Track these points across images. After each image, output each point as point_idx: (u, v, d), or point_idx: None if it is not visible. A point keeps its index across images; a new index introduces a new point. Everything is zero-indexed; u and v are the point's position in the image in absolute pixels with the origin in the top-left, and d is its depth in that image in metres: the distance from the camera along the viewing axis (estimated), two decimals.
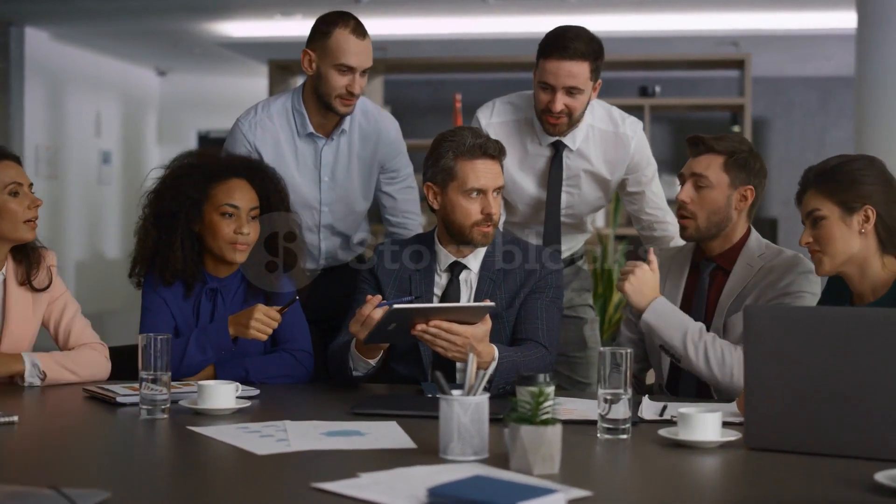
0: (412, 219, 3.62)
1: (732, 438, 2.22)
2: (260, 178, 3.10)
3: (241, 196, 3.02)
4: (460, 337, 2.69)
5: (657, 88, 7.62)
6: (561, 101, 3.25)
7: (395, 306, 2.67)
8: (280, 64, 7.81)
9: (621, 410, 2.29)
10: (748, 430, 2.20)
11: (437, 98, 10.81)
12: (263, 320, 2.90)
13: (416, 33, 9.45)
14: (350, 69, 3.30)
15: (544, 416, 1.96)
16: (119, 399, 2.62)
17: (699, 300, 3.00)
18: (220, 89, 12.69)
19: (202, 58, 11.42)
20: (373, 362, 2.87)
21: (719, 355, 2.80)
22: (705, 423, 2.21)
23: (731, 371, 2.79)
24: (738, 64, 7.45)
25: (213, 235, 3.01)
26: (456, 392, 2.11)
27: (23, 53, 10.04)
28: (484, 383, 2.12)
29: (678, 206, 2.99)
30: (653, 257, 2.93)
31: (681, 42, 9.65)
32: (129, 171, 11.70)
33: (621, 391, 2.28)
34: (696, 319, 2.96)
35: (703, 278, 3.01)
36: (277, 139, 3.43)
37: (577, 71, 3.22)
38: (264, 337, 2.93)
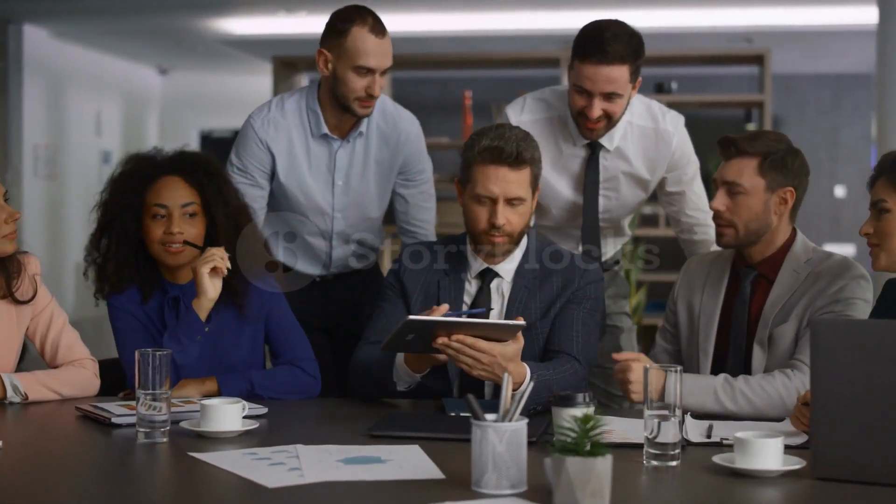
0: (424, 228, 3.38)
1: (797, 467, 1.99)
2: (193, 171, 2.83)
3: (170, 194, 2.79)
4: (486, 355, 2.46)
5: (674, 85, 7.39)
6: (599, 108, 3.03)
7: (411, 317, 2.46)
8: (284, 61, 7.59)
9: (671, 432, 2.06)
10: (815, 458, 1.97)
11: (445, 96, 10.62)
12: (205, 261, 2.71)
13: (423, 30, 9.28)
14: (370, 71, 3.07)
15: (593, 446, 1.73)
16: (114, 420, 2.40)
17: (741, 310, 2.76)
18: (222, 88, 12.57)
19: (205, 56, 11.30)
20: (419, 376, 2.65)
21: (761, 392, 2.57)
22: (766, 450, 1.99)
23: (780, 399, 2.56)
24: (758, 59, 7.22)
25: (148, 240, 2.80)
26: (489, 416, 1.88)
27: (21, 51, 9.92)
28: (521, 407, 1.89)
29: (713, 215, 2.77)
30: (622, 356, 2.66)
31: (693, 38, 9.47)
32: None
33: (670, 411, 2.06)
34: (738, 331, 2.75)
35: (744, 287, 2.78)
36: (290, 139, 3.20)
37: (616, 75, 2.99)
38: (222, 267, 2.71)
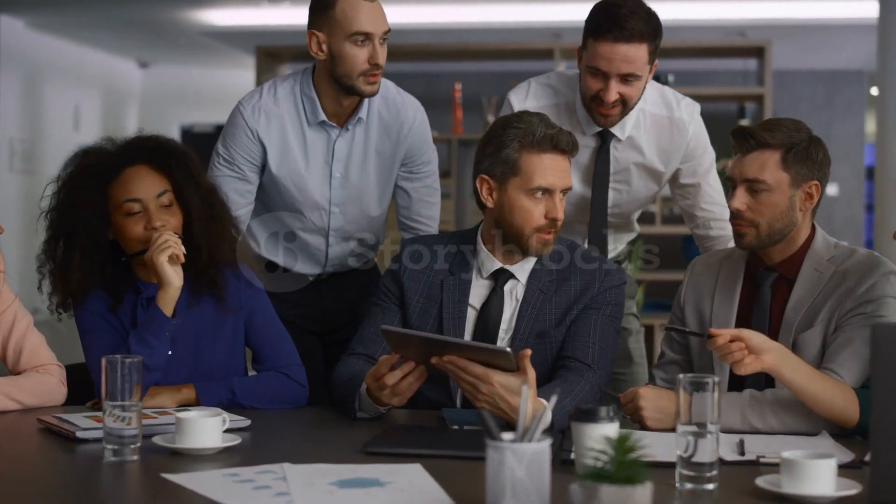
0: (428, 225, 3.12)
1: (853, 492, 1.76)
2: (160, 156, 2.57)
3: (141, 185, 2.52)
4: (484, 384, 2.17)
5: (670, 78, 7.17)
6: (615, 90, 2.79)
7: (384, 327, 2.22)
8: (268, 51, 7.35)
9: (708, 451, 1.83)
10: (875, 482, 1.74)
11: (434, 90, 10.38)
12: (167, 244, 2.45)
13: (411, 22, 9.08)
14: (367, 36, 2.81)
15: (631, 471, 1.49)
16: (79, 434, 2.15)
17: (760, 317, 2.51)
18: (204, 82, 12.37)
19: (186, 48, 11.09)
20: (383, 410, 2.38)
21: (790, 406, 2.31)
22: (817, 472, 1.75)
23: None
24: (758, 52, 7.02)
25: (126, 239, 2.53)
26: (507, 436, 1.64)
27: None
28: (543, 426, 1.65)
29: (732, 215, 2.51)
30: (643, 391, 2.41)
31: (686, 31, 9.27)
32: None
33: (709, 426, 1.83)
34: None
35: (763, 291, 2.52)
36: (284, 128, 2.94)
37: (634, 55, 2.76)
38: (180, 254, 2.46)
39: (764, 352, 2.25)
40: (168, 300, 2.49)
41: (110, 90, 11.95)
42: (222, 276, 2.59)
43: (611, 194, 3.00)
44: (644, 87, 2.87)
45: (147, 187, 2.52)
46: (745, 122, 7.53)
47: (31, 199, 10.13)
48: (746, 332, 2.26)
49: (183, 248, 2.48)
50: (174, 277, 2.48)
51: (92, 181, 2.54)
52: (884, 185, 6.93)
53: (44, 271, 2.59)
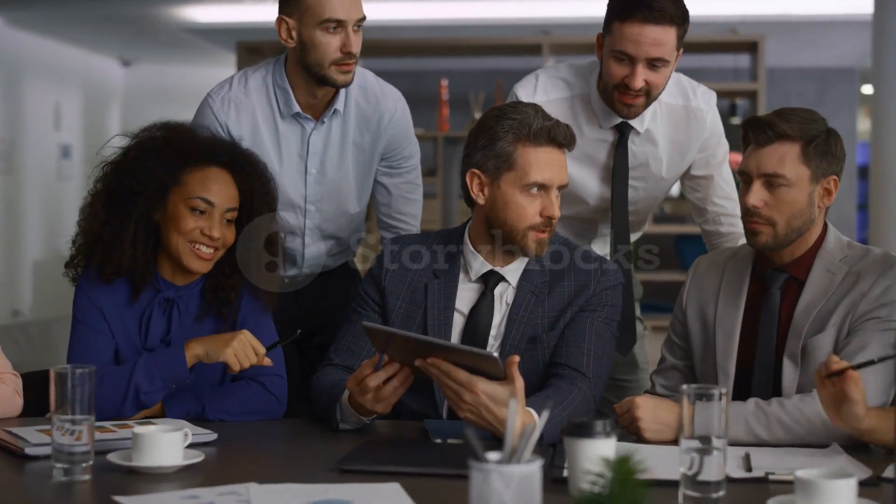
0: (409, 223, 2.97)
1: None
2: (246, 171, 2.48)
3: (219, 190, 2.41)
4: (468, 392, 2.01)
5: None
6: (641, 76, 2.63)
7: (366, 323, 2.09)
8: (249, 46, 7.23)
9: (714, 468, 1.67)
10: None
11: (420, 87, 10.26)
12: (247, 348, 2.30)
13: (396, 18, 8.96)
14: (339, 24, 2.65)
15: (632, 497, 1.33)
16: (28, 451, 1.98)
17: (769, 321, 2.35)
18: (187, 80, 12.22)
19: (168, 46, 10.97)
20: (367, 419, 2.23)
21: (799, 416, 2.16)
22: (836, 493, 1.60)
23: (823, 425, 2.14)
24: (751, 47, 6.91)
25: (174, 229, 2.39)
26: (493, 455, 1.47)
27: None
28: (532, 444, 1.49)
29: (746, 212, 2.35)
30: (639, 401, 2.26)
31: None
32: (91, 166, 11.10)
33: (715, 440, 1.67)
34: (765, 345, 2.35)
35: (773, 293, 2.36)
36: (255, 121, 2.78)
37: (663, 38, 2.60)
38: (237, 368, 2.31)
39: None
40: (194, 355, 2.33)
41: (92, 89, 11.81)
42: (238, 298, 2.48)
43: (629, 192, 2.85)
44: (669, 77, 2.72)
45: (224, 195, 2.43)
46: (736, 121, 7.40)
47: (10, 199, 9.99)
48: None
49: (251, 363, 2.34)
50: (216, 358, 2.33)
51: (173, 157, 2.43)
52: (878, 184, 6.80)
53: (83, 225, 2.45)
